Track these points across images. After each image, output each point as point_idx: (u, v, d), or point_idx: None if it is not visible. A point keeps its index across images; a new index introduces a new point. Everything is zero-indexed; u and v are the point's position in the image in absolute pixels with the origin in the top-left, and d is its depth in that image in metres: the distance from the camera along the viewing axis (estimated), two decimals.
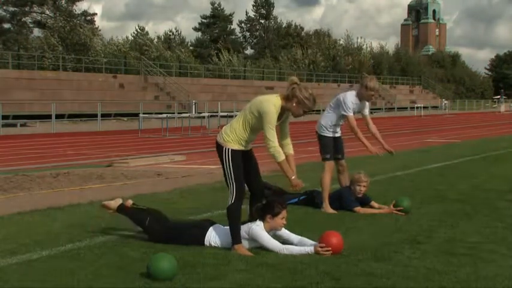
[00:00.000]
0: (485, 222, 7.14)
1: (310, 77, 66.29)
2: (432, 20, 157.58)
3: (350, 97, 7.99)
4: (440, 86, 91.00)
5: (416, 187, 9.89)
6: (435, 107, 71.41)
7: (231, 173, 5.71)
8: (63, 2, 67.16)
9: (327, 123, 8.08)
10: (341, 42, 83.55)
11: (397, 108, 61.68)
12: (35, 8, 67.72)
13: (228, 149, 5.72)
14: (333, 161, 8.12)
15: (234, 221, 5.71)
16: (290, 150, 5.89)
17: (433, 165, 13.16)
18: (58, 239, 6.18)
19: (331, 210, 7.81)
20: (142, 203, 8.35)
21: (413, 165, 13.06)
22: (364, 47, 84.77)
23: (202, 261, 5.29)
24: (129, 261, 5.33)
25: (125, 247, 5.80)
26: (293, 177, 5.75)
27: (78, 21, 62.71)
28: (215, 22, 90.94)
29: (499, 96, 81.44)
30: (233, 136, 5.75)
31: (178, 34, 79.46)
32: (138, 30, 69.51)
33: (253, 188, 6.01)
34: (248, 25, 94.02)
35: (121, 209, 6.27)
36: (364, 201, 7.91)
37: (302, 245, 5.70)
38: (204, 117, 29.46)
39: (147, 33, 69.24)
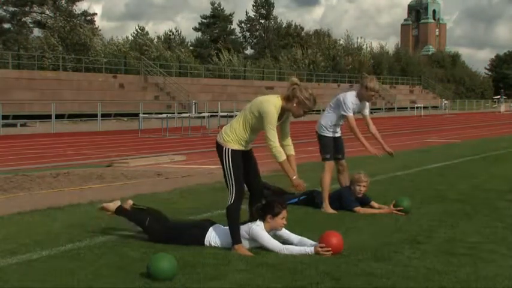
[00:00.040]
0: (485, 222, 7.14)
1: (310, 77, 66.30)
2: (432, 20, 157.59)
3: (350, 97, 7.99)
4: (440, 86, 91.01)
5: (416, 187, 9.89)
6: (435, 107, 71.41)
7: (230, 173, 5.71)
8: (63, 2, 67.20)
9: (327, 123, 8.08)
10: (341, 42, 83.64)
11: (397, 108, 61.70)
12: (35, 8, 67.75)
13: (228, 149, 5.73)
14: (333, 161, 8.12)
15: (233, 221, 5.71)
16: (291, 151, 5.89)
17: (433, 165, 13.16)
18: (58, 239, 6.18)
19: (331, 210, 7.81)
20: (142, 203, 8.35)
21: (413, 165, 13.06)
22: (364, 47, 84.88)
23: (202, 261, 5.29)
24: (129, 261, 5.33)
25: (124, 247, 5.80)
26: (294, 177, 5.76)
27: (78, 21, 62.73)
28: (215, 22, 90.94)
29: (499, 96, 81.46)
30: (233, 136, 5.75)
31: (178, 34, 79.52)
32: (138, 30, 69.56)
33: (253, 188, 6.01)
34: (248, 25, 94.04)
35: (119, 211, 6.26)
36: (364, 201, 7.91)
37: (302, 245, 5.70)
38: (204, 117, 29.46)
39: (147, 33, 69.28)
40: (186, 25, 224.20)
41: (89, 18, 70.77)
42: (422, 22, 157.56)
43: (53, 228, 6.73)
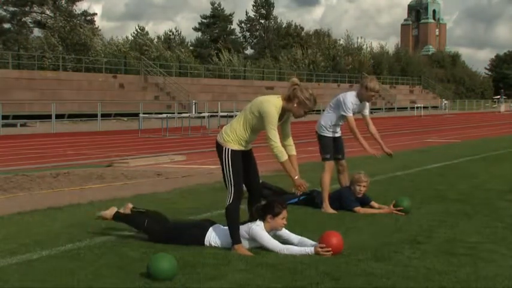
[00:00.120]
0: (485, 222, 7.14)
1: (310, 77, 66.29)
2: (432, 20, 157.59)
3: (350, 97, 7.99)
4: (440, 86, 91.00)
5: (416, 187, 9.89)
6: (435, 107, 71.41)
7: (230, 173, 5.71)
8: (63, 2, 67.20)
9: (327, 123, 8.08)
10: (341, 42, 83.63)
11: (397, 108, 61.68)
12: (35, 8, 67.76)
13: (228, 149, 5.73)
14: (332, 161, 8.12)
15: (232, 221, 5.71)
16: (292, 151, 5.90)
17: (433, 165, 13.16)
18: (58, 239, 6.19)
19: (331, 210, 7.81)
20: (142, 203, 8.37)
21: (413, 165, 13.06)
22: (364, 47, 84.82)
23: (202, 261, 5.29)
24: (129, 261, 5.33)
25: (124, 247, 5.80)
26: (296, 177, 5.76)
27: (78, 21, 62.73)
28: (215, 22, 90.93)
29: (499, 96, 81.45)
30: (233, 136, 5.76)
31: (178, 34, 79.50)
32: (138, 30, 69.53)
33: (252, 188, 6.02)
34: (248, 25, 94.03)
35: (117, 217, 6.24)
36: (364, 201, 7.91)
37: (302, 245, 5.70)
38: (204, 117, 29.46)
39: (147, 33, 69.24)
40: (186, 25, 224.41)
41: (89, 18, 70.80)
42: (422, 22, 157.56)
43: (53, 228, 6.73)
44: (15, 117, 32.00)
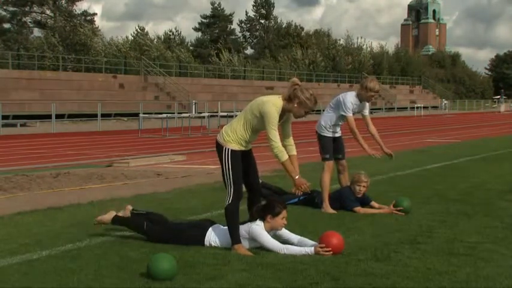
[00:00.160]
0: (485, 222, 7.14)
1: (310, 77, 66.27)
2: (432, 20, 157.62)
3: (350, 98, 7.99)
4: (440, 86, 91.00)
5: (416, 187, 9.89)
6: (435, 107, 71.41)
7: (229, 173, 5.71)
8: (63, 2, 67.22)
9: (327, 123, 8.08)
10: (341, 42, 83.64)
11: (397, 108, 61.66)
12: (35, 8, 67.79)
13: (228, 149, 5.74)
14: (332, 161, 8.12)
15: (232, 221, 5.71)
16: (293, 151, 5.90)
17: (433, 165, 13.16)
18: (58, 239, 6.19)
19: (331, 210, 7.81)
20: (142, 203, 8.37)
21: (413, 165, 13.06)
22: (364, 47, 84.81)
23: (202, 261, 5.29)
24: (129, 261, 5.33)
25: (125, 247, 5.80)
26: (297, 177, 5.76)
27: (78, 21, 62.75)
28: (215, 22, 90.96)
29: (499, 96, 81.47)
30: (234, 136, 5.76)
31: (178, 34, 79.50)
32: (138, 30, 69.50)
33: (252, 188, 6.02)
34: (248, 25, 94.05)
35: (115, 220, 6.22)
36: (364, 202, 7.91)
37: (302, 245, 5.70)
38: (204, 117, 29.45)
39: (147, 33, 69.21)
40: (186, 25, 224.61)
41: (88, 18, 70.82)
42: (422, 22, 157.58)
43: (53, 228, 6.73)
44: (15, 117, 31.99)
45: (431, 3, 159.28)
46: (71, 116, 35.55)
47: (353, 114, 8.03)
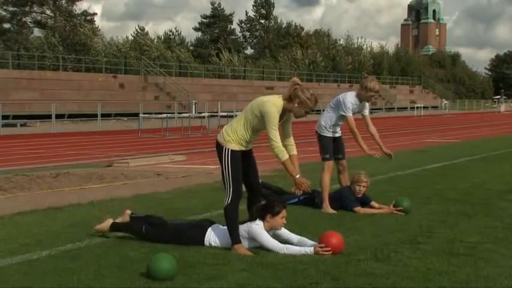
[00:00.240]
0: (485, 222, 7.14)
1: (310, 77, 66.28)
2: (432, 20, 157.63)
3: (350, 98, 7.99)
4: (440, 86, 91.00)
5: (416, 187, 9.89)
6: (435, 107, 71.41)
7: (229, 172, 5.72)
8: (63, 2, 67.22)
9: (327, 123, 8.08)
10: (341, 42, 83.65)
11: (397, 108, 61.67)
12: (35, 8, 67.79)
13: (228, 149, 5.74)
14: (332, 161, 8.12)
15: (231, 221, 5.71)
16: (293, 150, 5.90)
17: (433, 165, 13.16)
18: (58, 239, 6.18)
19: (331, 210, 7.81)
20: (142, 203, 8.38)
21: (413, 165, 13.06)
22: (364, 47, 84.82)
23: (202, 261, 5.29)
24: (129, 261, 5.33)
25: (125, 247, 5.80)
26: (297, 176, 5.77)
27: (78, 21, 62.76)
28: (215, 22, 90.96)
29: (499, 96, 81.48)
30: (234, 136, 5.76)
31: (178, 34, 79.51)
32: (138, 30, 69.53)
33: (252, 188, 6.02)
34: (248, 25, 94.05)
35: (114, 227, 6.19)
36: (365, 202, 7.91)
37: (302, 245, 5.70)
38: (204, 117, 29.45)
39: (147, 33, 69.24)
40: (186, 25, 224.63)
41: (88, 18, 70.83)
42: (422, 22, 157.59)
43: (53, 228, 6.72)
44: (15, 117, 31.99)
45: (431, 3, 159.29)
46: (71, 116, 35.56)
47: (353, 114, 8.03)
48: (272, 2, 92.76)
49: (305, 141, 16.99)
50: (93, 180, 11.01)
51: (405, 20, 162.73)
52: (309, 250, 5.56)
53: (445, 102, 75.28)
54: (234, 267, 5.11)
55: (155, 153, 16.81)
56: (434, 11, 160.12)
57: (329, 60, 77.28)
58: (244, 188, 5.94)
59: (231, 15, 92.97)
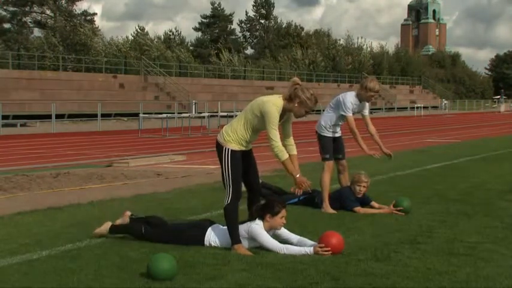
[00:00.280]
0: (485, 222, 7.14)
1: (310, 77, 66.28)
2: (432, 20, 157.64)
3: (350, 98, 8.00)
4: (440, 86, 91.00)
5: (416, 187, 9.89)
6: (435, 107, 71.41)
7: (229, 172, 5.72)
8: (63, 2, 67.22)
9: (327, 123, 8.08)
10: (341, 42, 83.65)
11: (397, 108, 61.68)
12: (35, 8, 67.79)
13: (228, 149, 5.74)
14: (332, 161, 8.12)
15: (231, 221, 5.71)
16: (293, 150, 5.90)
17: (433, 165, 13.16)
18: (58, 239, 6.18)
19: (331, 210, 7.80)
20: (142, 203, 8.38)
21: (413, 165, 13.06)
22: (364, 47, 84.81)
23: (202, 261, 5.29)
24: (129, 261, 5.33)
25: (125, 247, 5.80)
26: (298, 176, 5.77)
27: (78, 21, 62.77)
28: (215, 22, 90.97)
29: (499, 96, 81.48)
30: (234, 136, 5.76)
31: (178, 34, 79.52)
32: (138, 30, 69.55)
33: (252, 188, 6.02)
34: (248, 25, 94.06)
35: (113, 230, 6.18)
36: (365, 202, 7.91)
37: (301, 245, 5.70)
38: (204, 117, 29.45)
39: (147, 33, 69.26)
40: (186, 25, 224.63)
41: (88, 18, 70.84)
42: (422, 22, 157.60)
43: (53, 228, 6.72)
44: (15, 117, 31.99)
45: (431, 3, 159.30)
46: (71, 116, 35.56)
47: (353, 114, 8.04)
48: (272, 2, 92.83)
49: (305, 141, 16.99)
50: (93, 180, 11.01)
51: (405, 20, 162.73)
52: (309, 250, 5.55)
53: (445, 102, 75.29)
54: (234, 267, 5.11)
55: (155, 153, 16.81)
56: (434, 11, 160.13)
57: (329, 60, 77.29)
58: (244, 188, 5.94)
59: (231, 15, 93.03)
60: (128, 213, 6.31)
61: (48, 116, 29.56)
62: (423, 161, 14.19)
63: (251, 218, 5.80)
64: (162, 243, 5.85)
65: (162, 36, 75.16)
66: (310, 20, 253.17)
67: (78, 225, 6.82)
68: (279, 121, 5.73)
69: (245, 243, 5.70)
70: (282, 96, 5.79)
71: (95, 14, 76.31)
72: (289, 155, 5.78)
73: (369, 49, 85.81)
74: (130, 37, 67.05)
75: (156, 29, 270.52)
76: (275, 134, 5.65)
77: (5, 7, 67.28)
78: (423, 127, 32.92)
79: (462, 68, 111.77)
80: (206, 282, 4.71)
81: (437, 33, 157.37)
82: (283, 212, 5.79)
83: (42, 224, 6.94)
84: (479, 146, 18.75)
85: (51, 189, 9.88)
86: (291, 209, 6.85)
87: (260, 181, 6.44)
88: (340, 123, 8.17)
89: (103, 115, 32.04)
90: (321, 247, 5.52)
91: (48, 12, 67.07)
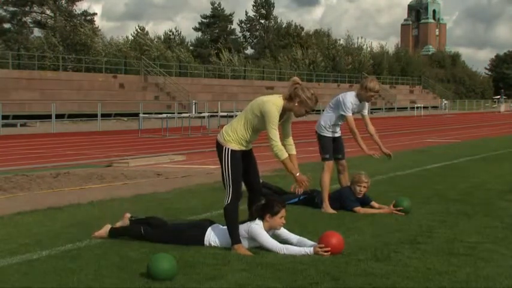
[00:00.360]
0: (485, 222, 7.14)
1: (310, 77, 66.27)
2: (432, 20, 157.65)
3: (349, 97, 7.99)
4: (440, 86, 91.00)
5: (416, 187, 9.89)
6: (435, 107, 71.41)
7: (229, 172, 5.72)
8: (63, 2, 67.21)
9: (326, 123, 8.08)
10: (341, 42, 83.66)
11: (397, 108, 61.68)
12: (35, 8, 67.78)
13: (228, 149, 5.74)
14: (332, 161, 8.12)
15: (231, 221, 5.71)
16: (292, 150, 5.91)
17: (433, 165, 13.16)
18: (58, 239, 6.18)
19: (331, 210, 7.80)
20: (142, 203, 8.38)
21: (413, 165, 13.06)
22: (364, 47, 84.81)
23: (202, 261, 5.29)
24: (129, 261, 5.33)
25: (125, 247, 5.80)
26: (297, 174, 5.78)
27: (78, 21, 62.76)
28: (215, 22, 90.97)
29: (499, 96, 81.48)
30: (234, 136, 5.76)
31: (178, 34, 79.52)
32: (138, 30, 69.53)
33: (252, 188, 6.02)
34: (248, 25, 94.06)
35: (112, 232, 6.17)
36: (365, 202, 7.91)
37: (301, 245, 5.69)
38: (204, 117, 29.45)
39: (147, 33, 69.24)
40: (186, 25, 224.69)
41: (88, 18, 70.81)
42: (422, 22, 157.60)
43: (53, 228, 6.72)
44: (15, 117, 32.00)
45: (431, 3, 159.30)
46: (71, 116, 35.56)
47: (353, 114, 8.03)
48: (272, 2, 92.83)
49: (305, 141, 16.99)
50: (93, 180, 11.01)
51: (405, 20, 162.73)
52: (309, 250, 5.55)
53: (445, 102, 75.30)
54: (234, 267, 5.11)
55: (155, 153, 16.81)
56: (434, 11, 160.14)
57: (329, 60, 77.29)
58: (244, 188, 5.94)
59: (231, 15, 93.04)
60: (128, 215, 6.31)
61: (48, 116, 29.56)
62: (423, 161, 14.19)
63: (251, 218, 5.80)
64: (162, 243, 5.85)
65: (162, 36, 75.19)
66: (310, 20, 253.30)
67: (78, 225, 6.82)
68: (279, 121, 5.74)
69: (245, 243, 5.70)
70: (282, 96, 5.79)
71: (95, 14, 76.39)
72: (288, 154, 5.78)
73: (368, 49, 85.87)
74: (130, 37, 67.10)
75: (156, 29, 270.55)
76: (275, 134, 5.66)
77: (5, 7, 67.34)
78: (423, 127, 32.93)
79: (462, 68, 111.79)
80: (206, 282, 4.71)
81: (437, 33, 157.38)
82: (283, 212, 5.79)
83: (42, 224, 6.94)
84: (479, 146, 18.75)
85: (51, 189, 9.88)
86: (291, 209, 6.85)
87: (260, 181, 6.44)
88: (339, 123, 8.17)
89: (103, 115, 32.05)
90: (320, 247, 5.51)
91: (48, 12, 67.07)
